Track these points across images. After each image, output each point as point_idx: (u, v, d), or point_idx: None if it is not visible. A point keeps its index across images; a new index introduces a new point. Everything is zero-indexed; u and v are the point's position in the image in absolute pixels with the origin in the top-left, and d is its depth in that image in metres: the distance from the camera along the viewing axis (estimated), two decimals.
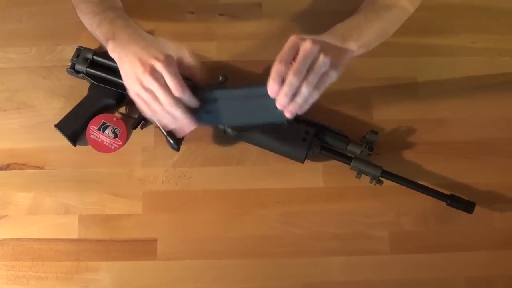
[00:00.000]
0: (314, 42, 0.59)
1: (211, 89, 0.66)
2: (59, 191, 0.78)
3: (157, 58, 0.61)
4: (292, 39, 0.61)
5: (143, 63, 0.61)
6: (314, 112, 0.79)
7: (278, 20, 0.86)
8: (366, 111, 0.82)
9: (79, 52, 0.79)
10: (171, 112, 0.63)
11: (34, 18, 0.86)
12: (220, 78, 0.76)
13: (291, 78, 0.59)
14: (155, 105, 0.62)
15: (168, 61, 0.61)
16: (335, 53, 0.62)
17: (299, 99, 0.61)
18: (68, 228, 0.76)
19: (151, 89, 0.61)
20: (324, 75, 0.61)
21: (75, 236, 0.76)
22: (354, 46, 0.66)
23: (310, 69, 0.60)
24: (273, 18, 0.86)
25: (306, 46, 0.59)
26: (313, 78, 0.60)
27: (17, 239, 0.76)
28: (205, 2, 0.87)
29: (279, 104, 0.61)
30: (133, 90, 0.63)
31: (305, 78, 0.59)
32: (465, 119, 0.82)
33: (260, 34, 0.85)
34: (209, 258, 0.75)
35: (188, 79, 0.67)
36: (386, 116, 0.81)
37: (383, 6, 0.72)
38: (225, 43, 0.85)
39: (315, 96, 0.62)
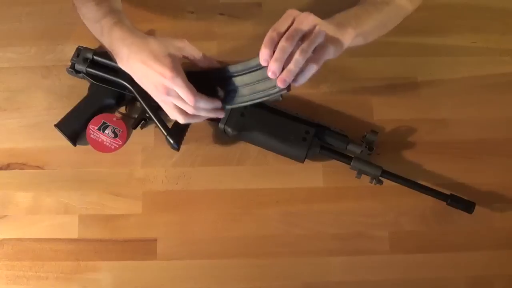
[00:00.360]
0: (310, 13, 0.60)
1: (220, 71, 0.67)
2: (59, 191, 0.78)
3: (163, 75, 0.62)
4: (288, 11, 0.61)
5: (154, 83, 0.63)
6: (314, 112, 0.79)
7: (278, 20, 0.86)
8: (366, 111, 0.82)
9: (79, 51, 0.79)
10: (196, 115, 0.66)
11: (34, 18, 0.86)
12: None
13: (283, 43, 0.58)
14: (179, 112, 0.66)
15: (173, 74, 0.62)
16: (332, 31, 0.62)
17: (292, 66, 0.58)
18: (68, 228, 0.76)
19: (171, 101, 0.65)
20: (321, 47, 0.60)
21: (75, 236, 0.76)
22: (352, 33, 0.65)
23: (305, 37, 0.59)
24: (273, 18, 0.85)
25: (302, 15, 0.60)
26: (307, 46, 0.58)
27: (17, 239, 0.76)
28: (205, 2, 0.87)
29: (271, 71, 0.59)
30: (156, 96, 0.66)
31: (298, 45, 0.59)
32: (465, 119, 0.82)
33: (260, 34, 0.84)
34: (209, 258, 0.75)
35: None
36: (386, 116, 0.81)
37: (382, 1, 0.72)
38: (225, 43, 0.85)
39: (312, 70, 0.60)
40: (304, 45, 0.58)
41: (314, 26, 0.60)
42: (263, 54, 0.59)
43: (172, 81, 0.62)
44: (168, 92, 0.63)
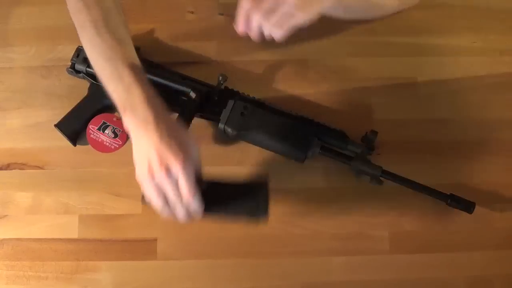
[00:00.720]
0: None
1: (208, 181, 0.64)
2: (59, 191, 0.78)
3: (176, 157, 0.57)
4: None
5: (161, 158, 0.57)
6: (314, 112, 0.79)
7: None
8: (366, 111, 0.82)
9: (79, 51, 0.79)
10: (175, 208, 0.61)
11: (34, 18, 0.86)
12: (220, 78, 0.76)
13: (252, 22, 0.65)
14: (160, 197, 0.60)
15: (186, 162, 0.57)
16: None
17: (254, 27, 0.66)
18: (68, 228, 0.76)
19: (162, 184, 0.59)
20: (288, 15, 0.63)
21: (75, 236, 0.76)
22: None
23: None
24: None
25: None
26: (273, 23, 0.64)
27: (17, 239, 0.76)
28: (205, 2, 0.87)
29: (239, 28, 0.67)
30: (142, 175, 0.60)
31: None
32: (465, 119, 0.82)
33: None
34: (209, 258, 0.75)
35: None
36: (386, 116, 0.81)
37: None
38: (225, 43, 0.85)
39: (277, 35, 0.65)
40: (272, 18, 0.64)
41: None
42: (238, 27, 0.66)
43: (182, 168, 0.57)
44: (169, 175, 0.58)
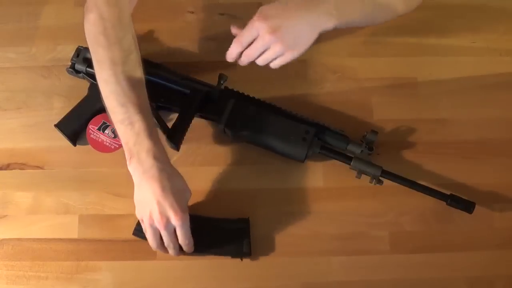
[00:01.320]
0: (272, 31, 0.64)
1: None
2: (59, 190, 0.78)
3: (175, 213, 0.63)
4: (253, 23, 0.66)
5: (162, 211, 0.63)
6: (314, 112, 0.79)
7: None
8: (366, 111, 0.82)
9: (79, 51, 0.79)
10: (168, 248, 0.68)
11: (34, 18, 0.86)
12: (220, 78, 0.76)
13: (243, 58, 0.69)
14: (155, 238, 0.66)
15: (183, 218, 0.64)
16: (297, 34, 0.66)
17: (244, 62, 0.70)
18: (68, 228, 0.76)
19: (159, 230, 0.65)
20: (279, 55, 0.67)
21: (75, 236, 0.76)
22: (332, 19, 0.66)
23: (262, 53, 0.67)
24: None
25: (263, 38, 0.65)
26: (262, 60, 0.68)
27: (17, 239, 0.76)
28: (205, 2, 0.87)
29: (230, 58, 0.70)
30: (142, 216, 0.66)
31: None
32: (465, 119, 0.82)
33: None
34: (209, 258, 0.75)
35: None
36: (386, 116, 0.81)
37: None
38: (225, 43, 0.85)
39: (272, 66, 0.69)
40: (259, 59, 0.68)
41: (275, 44, 0.65)
42: (230, 54, 0.69)
43: (180, 223, 0.63)
44: (168, 228, 0.64)
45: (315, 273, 0.75)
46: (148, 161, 0.62)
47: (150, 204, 0.63)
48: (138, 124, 0.63)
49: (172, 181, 0.63)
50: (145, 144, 0.62)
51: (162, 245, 0.67)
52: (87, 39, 0.66)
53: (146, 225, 0.65)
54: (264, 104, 0.78)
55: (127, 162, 0.64)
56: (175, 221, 0.63)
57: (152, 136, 0.63)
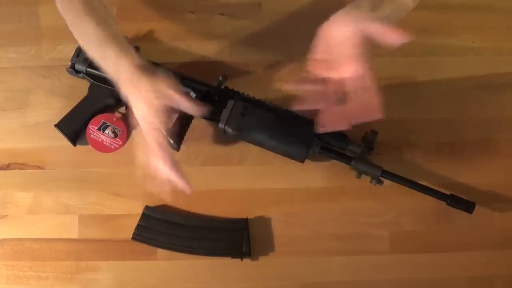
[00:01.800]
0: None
1: None
2: (59, 190, 0.78)
3: (168, 86, 0.62)
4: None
5: (156, 96, 0.62)
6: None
7: (278, 20, 0.86)
8: None
9: (79, 51, 0.79)
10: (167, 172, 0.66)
11: (34, 18, 0.86)
12: (220, 78, 0.76)
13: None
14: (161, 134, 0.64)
15: (175, 84, 0.62)
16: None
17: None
18: (68, 228, 0.76)
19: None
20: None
21: (75, 236, 0.76)
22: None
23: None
24: (273, 18, 0.86)
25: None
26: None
27: (17, 239, 0.76)
28: (205, 2, 0.87)
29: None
30: (145, 122, 0.64)
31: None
32: (465, 119, 0.82)
33: (260, 34, 0.85)
34: (209, 258, 0.75)
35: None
36: (386, 116, 0.81)
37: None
38: (225, 43, 0.85)
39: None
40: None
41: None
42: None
43: (173, 86, 0.62)
44: (164, 107, 0.63)
45: (315, 273, 0.75)
46: (134, 76, 0.63)
47: (146, 105, 0.62)
48: (114, 50, 0.64)
49: (156, 75, 0.63)
50: (125, 63, 0.63)
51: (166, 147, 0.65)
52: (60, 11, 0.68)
53: (148, 132, 0.64)
54: (264, 104, 0.78)
55: (120, 90, 0.64)
56: (168, 91, 0.62)
57: (128, 53, 0.64)
